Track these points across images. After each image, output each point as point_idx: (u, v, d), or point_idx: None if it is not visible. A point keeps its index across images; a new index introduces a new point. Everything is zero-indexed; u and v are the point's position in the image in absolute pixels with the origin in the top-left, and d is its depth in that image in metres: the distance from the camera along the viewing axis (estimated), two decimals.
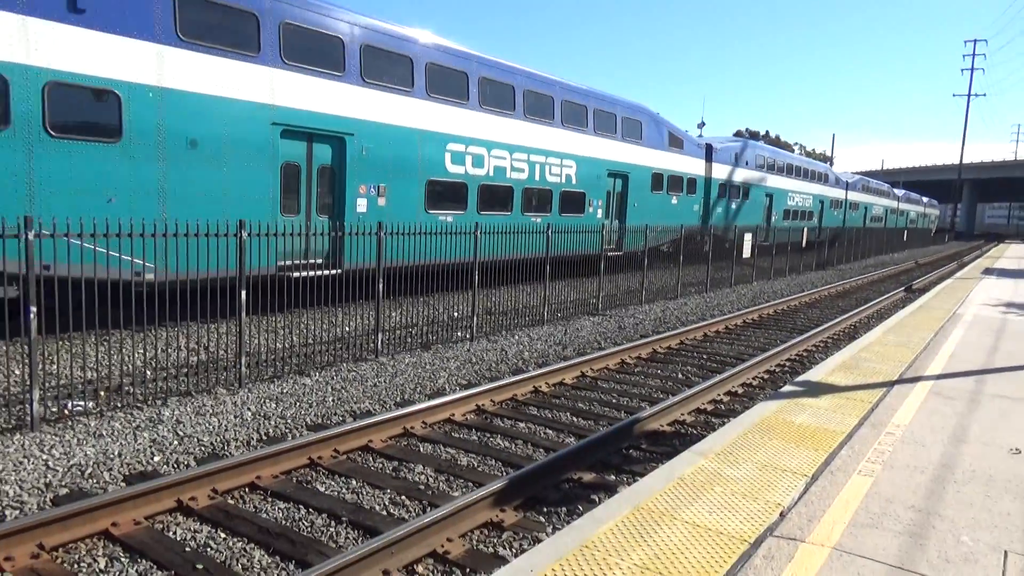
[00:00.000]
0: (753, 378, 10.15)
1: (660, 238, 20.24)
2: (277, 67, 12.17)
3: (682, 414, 8.14)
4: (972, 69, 79.89)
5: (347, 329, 11.27)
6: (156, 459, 6.30)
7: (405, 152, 14.57)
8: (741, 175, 29.79)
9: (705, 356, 11.61)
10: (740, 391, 9.45)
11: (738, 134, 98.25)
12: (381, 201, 14.11)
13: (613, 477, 6.35)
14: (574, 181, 19.67)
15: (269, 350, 9.79)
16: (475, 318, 12.16)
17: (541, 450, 6.97)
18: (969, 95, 79.83)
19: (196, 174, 11.18)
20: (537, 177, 18.26)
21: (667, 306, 17.23)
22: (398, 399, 8.48)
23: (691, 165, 25.85)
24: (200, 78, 11.16)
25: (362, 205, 13.74)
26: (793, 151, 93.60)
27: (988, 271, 28.93)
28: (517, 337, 12.46)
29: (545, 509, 5.63)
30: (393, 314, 12.29)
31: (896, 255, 47.13)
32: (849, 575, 3.84)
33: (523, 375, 9.05)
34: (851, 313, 16.41)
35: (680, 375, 10.28)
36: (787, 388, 8.00)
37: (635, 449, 7.09)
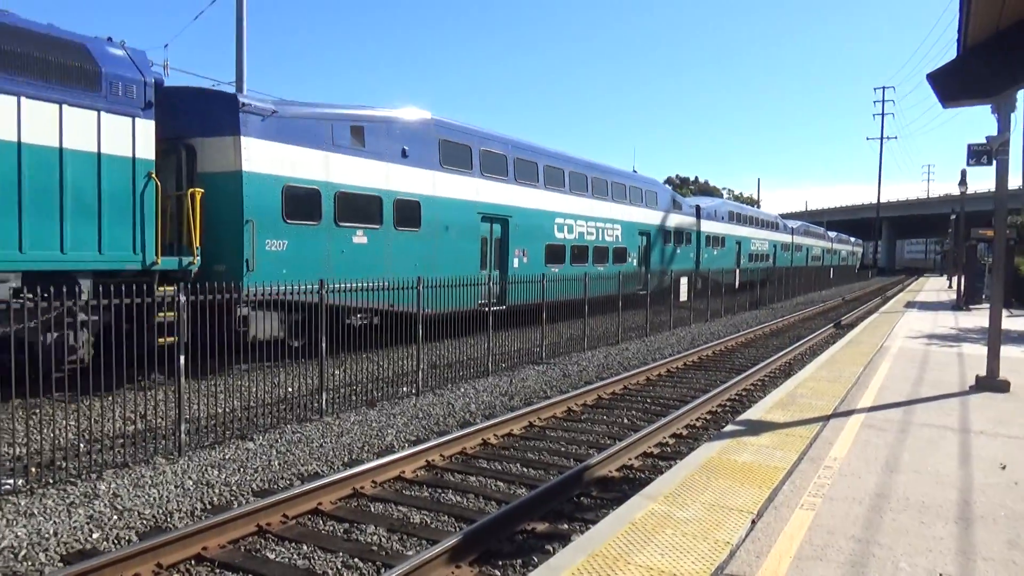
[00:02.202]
0: (697, 419, 10.38)
1: (670, 279, 26.47)
2: (479, 177, 18.93)
3: (630, 459, 8.26)
4: (883, 114, 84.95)
5: (290, 390, 11.11)
6: (95, 536, 6.06)
7: (535, 226, 21.38)
8: (719, 228, 37.23)
9: (649, 400, 11.83)
10: (685, 433, 9.65)
11: (668, 181, 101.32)
12: (525, 260, 20.76)
13: (566, 525, 6.40)
14: (620, 240, 26.46)
15: (209, 415, 9.55)
16: (420, 372, 12.15)
17: (493, 503, 6.97)
18: (882, 138, 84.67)
19: (447, 246, 17.57)
20: (601, 238, 25.16)
21: (609, 352, 17.50)
22: (346, 459, 8.38)
23: (687, 222, 33.16)
24: (449, 188, 17.76)
25: (515, 263, 20.34)
26: (722, 195, 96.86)
27: (910, 304, 30.32)
28: (463, 390, 12.46)
29: (500, 562, 5.63)
30: (337, 372, 12.16)
31: (824, 292, 48.93)
32: None
33: (471, 428, 9.07)
34: (785, 351, 16.97)
35: (626, 420, 10.44)
36: (729, 428, 8.22)
37: (586, 496, 7.16)
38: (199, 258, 11.73)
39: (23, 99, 9.68)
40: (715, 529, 5.07)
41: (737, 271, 33.00)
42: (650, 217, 28.92)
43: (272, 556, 5.73)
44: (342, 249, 14.38)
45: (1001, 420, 8.66)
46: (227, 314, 9.78)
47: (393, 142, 15.89)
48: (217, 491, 7.18)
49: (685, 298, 24.99)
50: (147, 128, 11.21)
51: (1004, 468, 6.69)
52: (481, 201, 18.87)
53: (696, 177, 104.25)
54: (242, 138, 12.50)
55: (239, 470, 7.84)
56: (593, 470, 7.56)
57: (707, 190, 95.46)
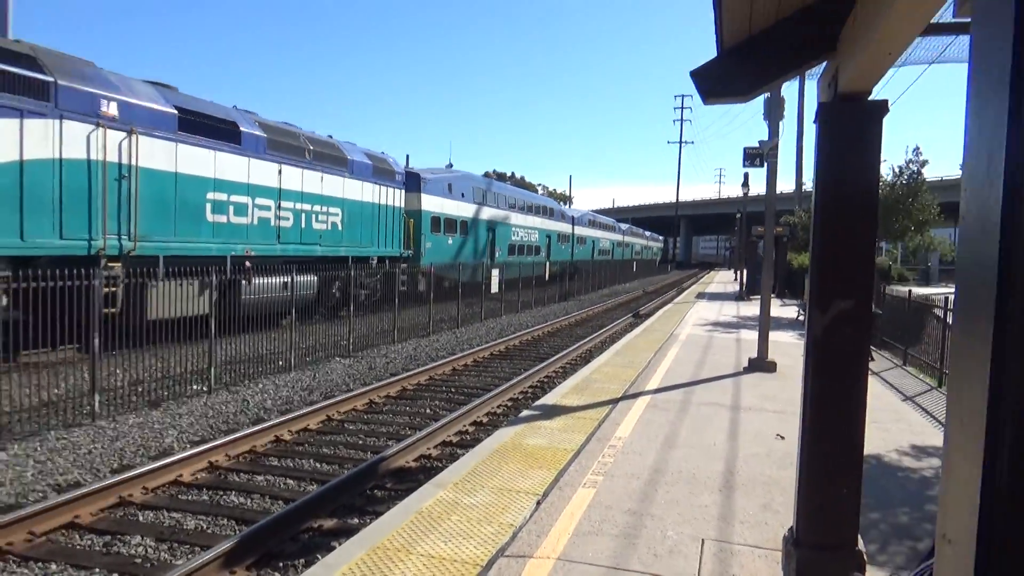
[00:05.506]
0: (498, 406, 10.52)
1: (561, 267, 42.37)
2: (488, 206, 32.10)
3: (428, 448, 8.17)
4: (682, 120, 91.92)
5: (56, 391, 9.92)
6: None
7: (505, 231, 34.58)
8: (584, 231, 52.13)
9: (453, 390, 11.83)
10: (485, 420, 9.73)
11: (487, 175, 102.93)
12: (500, 252, 33.25)
13: (356, 520, 6.17)
14: (537, 241, 40.27)
15: None
16: (212, 368, 11.34)
17: (281, 502, 6.60)
18: (680, 143, 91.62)
19: (478, 244, 30.89)
20: (530, 239, 38.90)
21: (419, 343, 17.38)
22: (115, 465, 7.58)
23: (567, 228, 47.45)
24: (481, 214, 31.39)
25: (497, 254, 32.74)
26: (537, 191, 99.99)
27: (701, 295, 32.95)
28: (261, 385, 11.79)
29: (281, 564, 5.31)
30: (116, 371, 11.02)
31: (628, 284, 52.03)
32: None
33: (263, 424, 8.57)
34: (587, 339, 17.75)
35: (428, 410, 10.35)
36: (525, 413, 8.39)
37: (380, 489, 6.97)
38: (411, 251, 23.85)
39: (380, 187, 21.64)
40: (501, 512, 5.09)
41: (547, 264, 38.79)
42: (549, 225, 42.95)
43: None
44: (446, 246, 27.29)
45: (767, 396, 9.54)
46: (410, 278, 21.63)
47: (462, 189, 29.31)
48: None
49: (496, 289, 25.60)
50: (402, 193, 23.38)
51: (763, 439, 7.34)
52: (488, 220, 32.15)
53: (512, 172, 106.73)
54: (422, 194, 25.38)
55: None
56: (389, 461, 7.39)
57: (524, 185, 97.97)
